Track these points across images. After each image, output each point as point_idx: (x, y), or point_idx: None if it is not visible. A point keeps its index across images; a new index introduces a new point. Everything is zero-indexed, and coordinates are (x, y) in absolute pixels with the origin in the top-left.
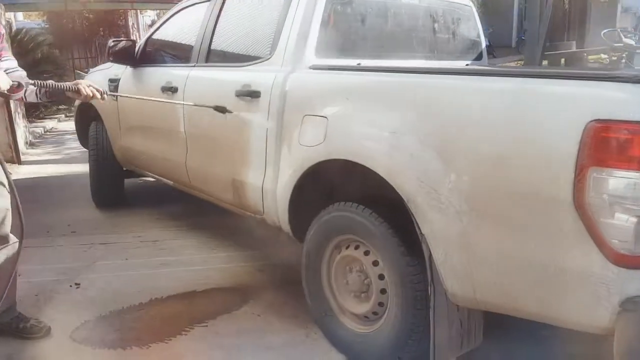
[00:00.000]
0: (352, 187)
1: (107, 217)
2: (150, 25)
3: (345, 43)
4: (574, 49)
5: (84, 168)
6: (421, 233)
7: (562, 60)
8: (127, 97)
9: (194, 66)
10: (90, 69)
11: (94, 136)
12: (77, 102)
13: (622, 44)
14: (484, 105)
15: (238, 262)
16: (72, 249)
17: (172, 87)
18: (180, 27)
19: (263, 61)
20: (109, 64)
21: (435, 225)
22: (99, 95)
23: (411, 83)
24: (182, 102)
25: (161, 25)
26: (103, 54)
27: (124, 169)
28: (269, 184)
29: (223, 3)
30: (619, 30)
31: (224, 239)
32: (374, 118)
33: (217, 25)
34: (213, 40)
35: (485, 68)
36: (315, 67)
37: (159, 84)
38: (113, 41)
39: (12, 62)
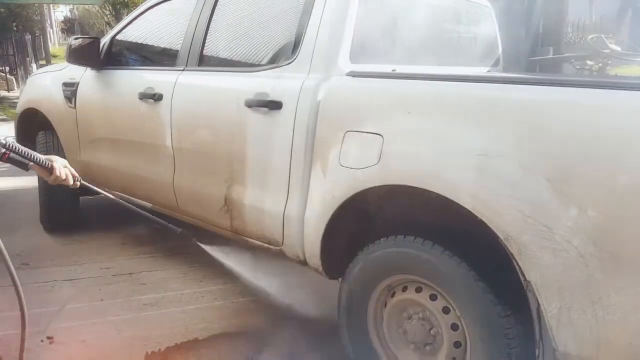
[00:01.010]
0: (412, 218)
1: (62, 243)
2: (64, 21)
3: (378, 47)
4: (551, 54)
5: (27, 182)
6: (526, 279)
7: (537, 67)
8: (89, 104)
9: (184, 70)
10: (35, 70)
11: (44, 149)
12: (19, 107)
13: (608, 50)
14: (618, 123)
15: (234, 297)
16: (31, 287)
17: (154, 94)
18: (159, 23)
19: (282, 66)
20: (61, 65)
21: (547, 271)
22: (71, 181)
23: (510, 95)
24: (170, 112)
25: (133, 20)
26: (21, 50)
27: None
28: (293, 210)
29: None
30: (603, 36)
31: (208, 267)
32: (453, 137)
33: (212, 23)
34: (207, 40)
35: (608, 80)
36: (355, 74)
37: (135, 90)
38: (75, 39)
39: None
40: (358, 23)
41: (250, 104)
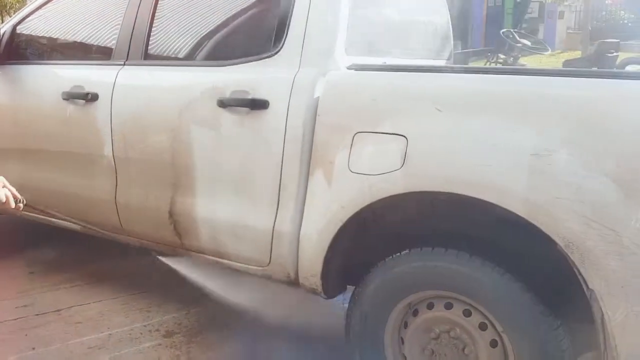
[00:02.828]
0: (438, 227)
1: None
2: None
3: (369, 37)
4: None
5: None
6: (589, 288)
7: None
8: None
9: (124, 65)
10: None
11: None
12: None
13: (520, 44)
14: None
15: (194, 326)
16: None
17: (86, 94)
18: (81, 8)
19: (263, 59)
20: None
21: (613, 277)
22: (12, 205)
23: (569, 89)
24: (110, 115)
25: (42, 5)
26: None
27: None
28: (285, 226)
29: None
30: (512, 30)
31: (144, 292)
32: (498, 135)
33: (159, 7)
34: (154, 28)
35: None
36: (359, 68)
37: (56, 90)
38: None
39: None
40: (351, 11)
41: (224, 104)
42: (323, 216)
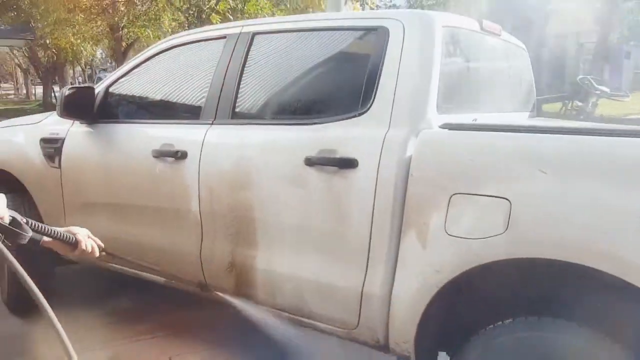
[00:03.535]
0: (543, 295)
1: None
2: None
3: (459, 93)
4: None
5: None
6: None
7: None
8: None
9: (212, 124)
10: None
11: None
12: None
13: (598, 91)
14: None
15: None
16: None
17: (176, 152)
18: (170, 71)
19: (351, 118)
20: (37, 117)
21: None
22: (97, 254)
23: None
24: (198, 172)
25: (135, 67)
26: None
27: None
28: (375, 287)
29: (251, 40)
30: (589, 77)
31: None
32: (608, 199)
33: (246, 69)
34: (241, 89)
35: None
36: (453, 127)
37: (147, 147)
38: (70, 88)
39: None
40: (442, 70)
41: (312, 162)
42: (417, 280)
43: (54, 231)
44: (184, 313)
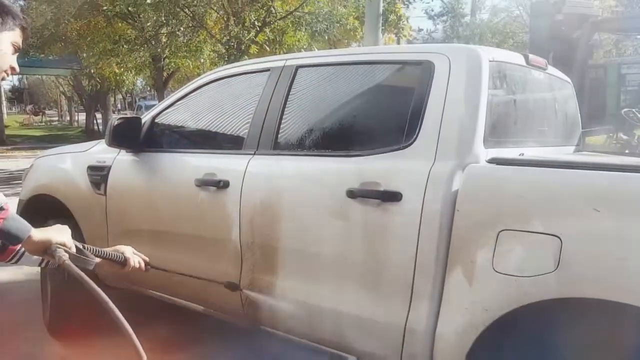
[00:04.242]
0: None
1: (79, 353)
2: (11, 91)
3: (506, 128)
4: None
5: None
6: None
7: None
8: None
9: (254, 154)
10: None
11: None
12: (25, 194)
13: None
14: None
15: None
16: None
17: (218, 182)
18: (214, 102)
19: (395, 150)
20: (85, 145)
21: None
22: (144, 268)
23: None
24: (239, 202)
25: (180, 98)
26: None
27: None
28: (420, 323)
29: (294, 73)
30: (634, 110)
31: None
32: None
33: (289, 102)
34: (283, 121)
35: None
36: (501, 162)
37: (190, 176)
38: (118, 119)
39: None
40: (489, 103)
41: (354, 195)
42: (463, 317)
43: (106, 252)
44: (215, 344)
